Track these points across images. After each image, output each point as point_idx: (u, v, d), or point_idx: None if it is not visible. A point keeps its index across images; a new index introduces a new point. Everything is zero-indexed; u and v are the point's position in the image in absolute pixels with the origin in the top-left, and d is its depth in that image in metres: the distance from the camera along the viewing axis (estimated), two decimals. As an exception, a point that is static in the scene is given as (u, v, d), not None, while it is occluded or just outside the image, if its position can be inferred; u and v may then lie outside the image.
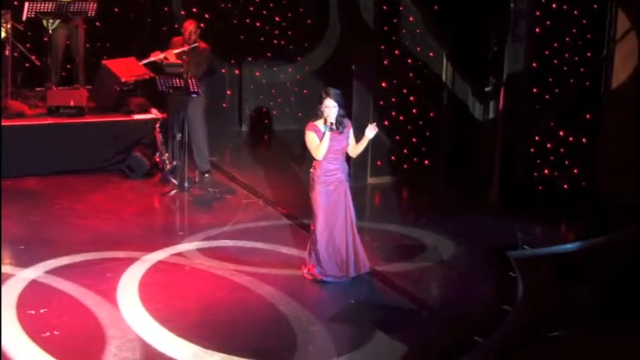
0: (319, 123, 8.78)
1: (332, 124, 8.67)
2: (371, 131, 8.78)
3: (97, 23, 14.12)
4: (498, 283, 9.21)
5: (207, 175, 12.56)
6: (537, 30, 11.89)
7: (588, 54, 11.75)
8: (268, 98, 15.75)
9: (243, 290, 8.76)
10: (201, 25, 13.72)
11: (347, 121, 8.92)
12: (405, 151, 13.00)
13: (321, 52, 15.41)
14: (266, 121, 15.68)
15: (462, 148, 13.14)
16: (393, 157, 12.92)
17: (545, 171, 12.01)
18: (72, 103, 12.70)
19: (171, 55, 12.02)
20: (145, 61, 12.52)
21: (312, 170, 8.92)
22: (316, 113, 8.81)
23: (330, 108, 8.67)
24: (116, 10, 14.65)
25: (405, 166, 13.02)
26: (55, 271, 8.94)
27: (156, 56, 12.14)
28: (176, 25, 13.69)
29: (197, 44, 12.08)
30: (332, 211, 8.88)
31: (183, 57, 12.01)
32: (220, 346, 7.50)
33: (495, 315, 8.32)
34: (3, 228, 9.59)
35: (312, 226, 8.99)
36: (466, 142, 13.11)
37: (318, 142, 8.72)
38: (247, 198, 11.83)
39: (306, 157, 12.98)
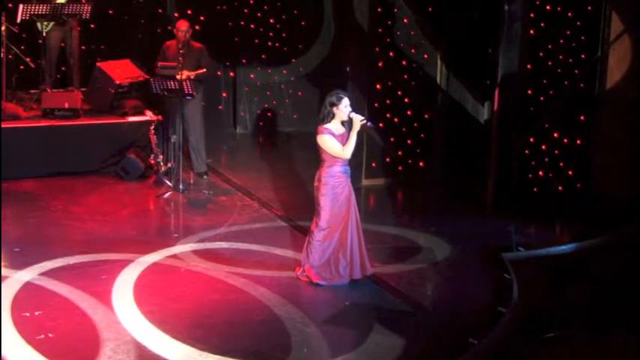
0: (332, 125, 8.78)
1: (367, 120, 8.75)
2: (357, 118, 8.76)
3: (92, 25, 14.14)
4: (493, 284, 9.22)
5: (205, 176, 12.59)
6: (531, 32, 11.91)
7: (582, 55, 11.76)
8: (263, 100, 15.75)
9: (237, 292, 8.76)
10: (196, 27, 13.76)
11: None
12: (399, 152, 13.01)
13: (316, 54, 15.42)
14: (260, 123, 15.67)
15: (457, 150, 13.15)
16: (387, 159, 12.93)
17: (540, 172, 12.03)
18: (66, 106, 12.70)
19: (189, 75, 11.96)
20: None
21: (319, 172, 8.88)
22: (324, 116, 8.78)
23: (348, 107, 8.72)
24: (111, 12, 14.65)
25: (399, 168, 13.03)
26: (49, 273, 8.93)
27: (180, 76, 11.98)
28: (170, 27, 13.68)
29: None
30: (337, 214, 8.87)
31: (179, 58, 12.03)
32: (215, 348, 7.50)
33: (490, 316, 8.33)
34: (-2, 230, 9.61)
35: (313, 227, 8.98)
36: (461, 144, 13.13)
37: (338, 144, 8.74)
38: (242, 200, 11.83)
39: (301, 159, 13.07)
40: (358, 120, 8.69)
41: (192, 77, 11.88)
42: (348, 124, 8.79)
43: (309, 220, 9.20)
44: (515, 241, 10.02)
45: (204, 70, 12.17)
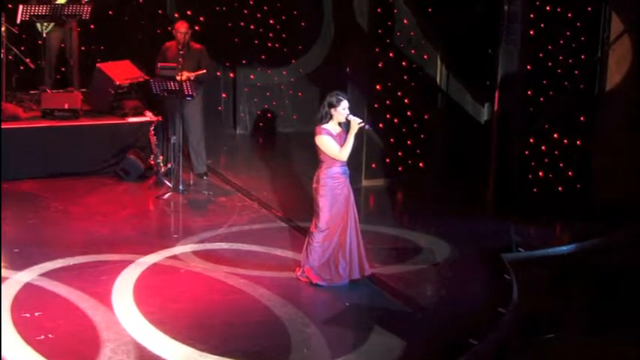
0: (330, 126, 8.79)
1: (365, 122, 8.76)
2: (355, 120, 8.76)
3: (92, 26, 14.13)
4: (493, 284, 9.22)
5: (205, 177, 12.59)
6: (531, 32, 11.90)
7: (582, 56, 11.76)
8: (263, 101, 15.74)
9: (237, 293, 8.76)
10: (196, 27, 13.75)
11: None
12: (399, 153, 13.01)
13: (316, 55, 15.42)
14: (260, 124, 15.67)
15: (457, 151, 13.14)
16: (387, 160, 12.93)
17: (540, 173, 12.02)
18: (66, 106, 12.69)
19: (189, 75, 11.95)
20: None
21: (318, 174, 8.88)
22: (322, 117, 8.79)
23: (347, 109, 8.73)
24: (110, 13, 14.65)
25: (399, 169, 13.03)
26: (49, 274, 8.92)
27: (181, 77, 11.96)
28: (170, 28, 13.67)
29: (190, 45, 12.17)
30: (336, 215, 8.86)
31: (179, 59, 12.03)
32: (215, 349, 7.50)
33: (490, 317, 8.33)
34: (-3, 230, 9.61)
35: (313, 227, 8.97)
36: (461, 145, 13.12)
37: (336, 145, 8.74)
38: (242, 201, 11.82)
39: (301, 160, 13.06)
40: (356, 122, 8.70)
41: (192, 78, 11.88)
42: (345, 124, 8.80)
43: (308, 221, 9.19)
44: (514, 242, 10.03)
45: (204, 70, 12.16)
